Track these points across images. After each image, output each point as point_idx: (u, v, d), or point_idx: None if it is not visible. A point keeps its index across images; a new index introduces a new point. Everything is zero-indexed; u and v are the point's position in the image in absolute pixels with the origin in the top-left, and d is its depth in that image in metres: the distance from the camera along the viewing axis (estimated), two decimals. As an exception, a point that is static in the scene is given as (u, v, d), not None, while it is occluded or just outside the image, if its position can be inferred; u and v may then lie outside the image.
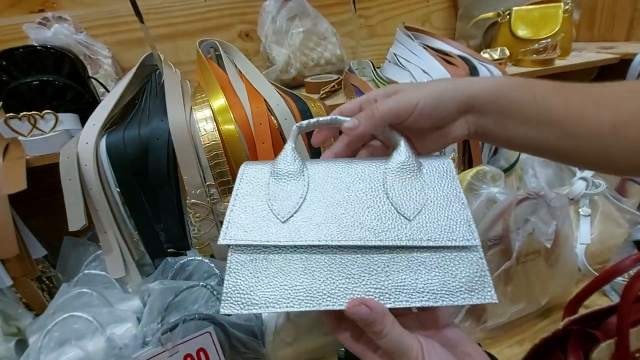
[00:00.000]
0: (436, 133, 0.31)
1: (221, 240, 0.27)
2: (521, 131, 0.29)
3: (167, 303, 0.51)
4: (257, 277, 0.26)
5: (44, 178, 0.56)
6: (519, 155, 0.71)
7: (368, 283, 0.25)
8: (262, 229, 0.27)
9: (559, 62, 0.82)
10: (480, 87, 0.29)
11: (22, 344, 0.55)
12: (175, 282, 0.53)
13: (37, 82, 0.57)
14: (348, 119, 0.30)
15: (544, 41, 0.81)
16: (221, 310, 0.26)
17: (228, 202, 0.62)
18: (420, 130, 0.31)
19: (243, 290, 0.26)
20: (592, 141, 0.27)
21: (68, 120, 0.58)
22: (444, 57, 0.75)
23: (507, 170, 0.70)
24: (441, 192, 0.28)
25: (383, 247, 0.26)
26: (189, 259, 0.60)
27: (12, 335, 0.55)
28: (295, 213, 0.27)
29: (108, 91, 0.69)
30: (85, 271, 0.59)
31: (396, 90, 0.31)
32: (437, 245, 0.26)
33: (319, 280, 0.25)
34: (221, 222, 0.64)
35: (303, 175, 0.29)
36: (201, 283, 0.53)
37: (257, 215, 0.28)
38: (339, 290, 0.25)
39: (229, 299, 0.26)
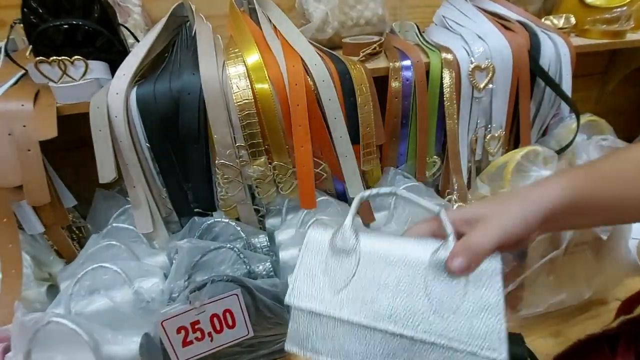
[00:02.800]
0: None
1: (287, 300, 0.31)
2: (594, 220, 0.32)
3: (194, 262, 0.51)
4: (314, 330, 0.30)
5: (74, 128, 0.55)
6: (574, 138, 0.65)
7: None
8: (319, 297, 0.31)
9: (630, 36, 0.73)
10: (555, 196, 0.29)
11: (53, 289, 0.57)
12: (203, 242, 0.52)
13: (66, 26, 0.54)
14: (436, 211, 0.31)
15: (617, 10, 0.71)
16: (285, 347, 0.30)
17: (257, 165, 0.60)
18: None
19: (302, 336, 0.30)
20: None
21: (98, 68, 0.55)
22: (501, 21, 0.68)
23: (558, 153, 0.64)
24: (482, 295, 0.28)
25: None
26: (215, 220, 0.59)
27: (44, 281, 0.57)
28: (345, 287, 0.30)
29: (138, 41, 0.65)
30: (114, 224, 0.59)
31: (477, 218, 0.30)
32: (464, 349, 0.27)
33: (360, 349, 0.29)
34: (249, 186, 0.62)
35: (355, 252, 0.31)
36: (228, 245, 0.52)
37: (316, 284, 0.31)
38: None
39: (291, 340, 0.31)
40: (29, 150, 0.50)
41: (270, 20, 0.68)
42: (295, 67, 0.56)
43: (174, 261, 0.53)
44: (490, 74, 0.60)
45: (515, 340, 0.40)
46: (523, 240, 0.30)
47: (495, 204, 0.31)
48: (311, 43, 0.62)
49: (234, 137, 0.56)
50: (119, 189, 0.69)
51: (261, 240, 0.59)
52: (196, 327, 0.44)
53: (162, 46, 0.65)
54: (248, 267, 0.52)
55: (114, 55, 0.59)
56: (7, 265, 0.51)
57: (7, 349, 0.45)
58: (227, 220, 0.58)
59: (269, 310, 0.47)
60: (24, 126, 0.50)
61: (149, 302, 0.51)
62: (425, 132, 0.63)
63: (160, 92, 0.54)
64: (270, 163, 0.59)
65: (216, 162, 0.57)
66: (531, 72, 0.63)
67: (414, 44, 0.74)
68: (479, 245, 0.28)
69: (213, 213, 0.61)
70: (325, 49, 0.64)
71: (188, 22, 0.72)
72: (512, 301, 0.50)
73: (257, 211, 0.64)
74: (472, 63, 0.60)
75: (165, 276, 0.54)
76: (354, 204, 0.33)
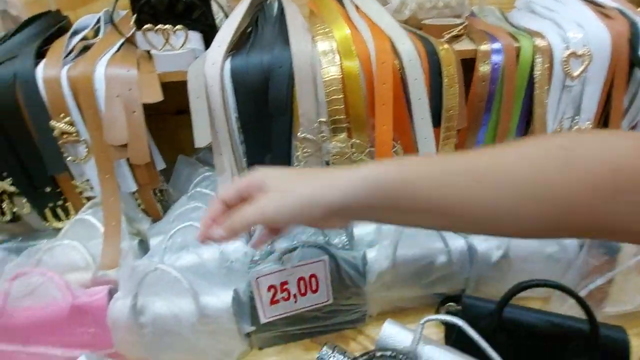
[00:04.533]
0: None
1: None
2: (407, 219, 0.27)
3: (277, 229, 0.53)
4: None
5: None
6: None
7: None
8: None
9: None
10: (340, 194, 0.26)
11: (142, 244, 0.61)
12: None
13: (169, -3, 0.57)
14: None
15: None
16: None
17: (337, 141, 0.61)
18: None
19: None
20: None
21: (195, 38, 0.58)
22: (597, 8, 0.64)
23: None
24: None
25: None
26: (292, 192, 0.61)
27: (134, 235, 0.62)
28: None
29: (227, 16, 0.68)
30: (197, 189, 0.63)
31: (263, 188, 0.28)
32: None
33: None
34: (327, 162, 0.64)
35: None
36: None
37: None
38: None
39: None
40: (134, 112, 0.54)
41: (352, 1, 0.68)
42: (384, 45, 0.56)
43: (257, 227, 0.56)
44: (587, 62, 0.58)
45: (620, 329, 0.39)
46: (311, 222, 0.29)
47: (288, 179, 0.29)
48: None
49: (318, 112, 0.57)
50: (197, 157, 0.73)
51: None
52: (284, 287, 0.46)
53: (247, 21, 0.67)
54: (326, 238, 0.54)
55: (206, 27, 0.62)
56: (108, 218, 0.55)
57: (111, 291, 0.50)
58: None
59: (350, 280, 0.49)
60: (130, 89, 0.54)
61: (233, 262, 0.54)
62: (509, 119, 0.61)
63: (252, 64, 0.56)
64: (348, 140, 0.60)
65: (298, 135, 0.58)
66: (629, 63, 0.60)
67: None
68: (239, 219, 0.28)
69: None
70: (410, 28, 0.63)
71: (268, 0, 0.74)
72: (597, 296, 0.49)
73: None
74: (567, 49, 0.57)
75: (247, 240, 0.57)
76: (417, 331, 0.36)
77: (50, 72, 0.54)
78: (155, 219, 0.65)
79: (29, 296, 0.46)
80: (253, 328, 0.49)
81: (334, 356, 0.37)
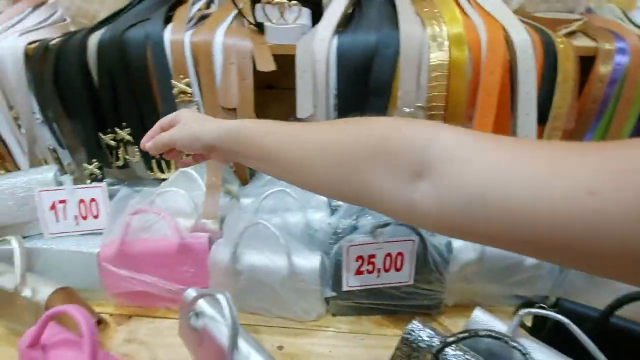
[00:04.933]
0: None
1: None
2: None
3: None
4: None
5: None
6: None
7: None
8: None
9: None
10: (213, 136, 0.35)
11: (233, 202, 0.66)
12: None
13: (285, -27, 0.60)
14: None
15: None
16: None
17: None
18: None
19: None
20: None
21: (306, 15, 0.60)
22: None
23: None
24: None
25: None
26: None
27: (226, 194, 0.67)
28: None
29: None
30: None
31: (178, 121, 0.40)
32: None
33: None
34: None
35: None
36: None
37: None
38: None
39: None
40: (245, 80, 0.58)
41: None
42: (497, 33, 0.54)
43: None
44: None
45: None
46: (201, 152, 0.38)
47: (194, 119, 0.39)
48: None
49: (416, 97, 0.57)
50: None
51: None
52: (371, 260, 0.48)
53: (353, 0, 0.68)
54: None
55: (313, 5, 0.64)
56: (211, 173, 0.60)
57: (210, 239, 0.55)
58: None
59: (434, 265, 0.49)
60: (244, 58, 0.58)
61: (316, 231, 0.57)
62: (622, 126, 0.57)
63: (359, 43, 0.57)
64: (442, 129, 0.60)
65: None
66: None
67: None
68: (159, 138, 0.39)
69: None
70: (525, 19, 0.61)
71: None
72: None
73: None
74: None
75: (330, 212, 0.59)
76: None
77: (176, 36, 0.59)
78: (243, 183, 0.69)
79: (146, 230, 0.53)
80: (333, 294, 0.51)
81: (423, 330, 0.38)
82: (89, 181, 0.68)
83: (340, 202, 0.59)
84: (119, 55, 0.60)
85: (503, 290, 0.53)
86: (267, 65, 0.55)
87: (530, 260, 0.50)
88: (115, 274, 0.52)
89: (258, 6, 0.58)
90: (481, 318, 0.39)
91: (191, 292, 0.41)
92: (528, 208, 0.19)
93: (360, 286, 0.50)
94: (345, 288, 0.50)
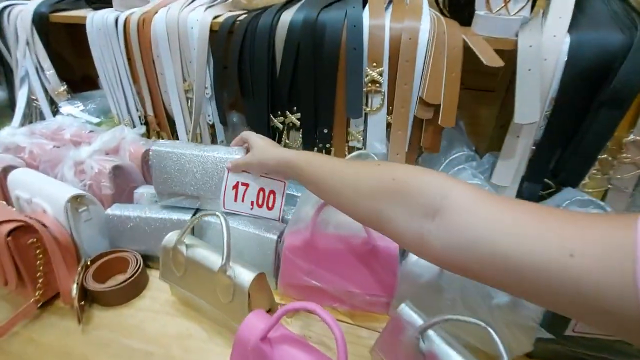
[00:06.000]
0: None
1: None
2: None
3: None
4: None
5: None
6: None
7: None
8: None
9: None
10: (274, 163, 0.50)
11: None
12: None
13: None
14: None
15: None
16: None
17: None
18: None
19: None
20: None
21: (526, 6, 0.53)
22: None
23: None
24: None
25: None
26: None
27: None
28: None
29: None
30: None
31: (254, 145, 0.53)
32: None
33: None
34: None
35: None
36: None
37: None
38: None
39: None
40: (453, 74, 0.52)
41: None
42: None
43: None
44: None
45: None
46: (273, 173, 0.54)
47: (261, 145, 0.52)
48: None
49: None
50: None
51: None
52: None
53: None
54: None
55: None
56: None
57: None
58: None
59: None
60: (454, 49, 0.52)
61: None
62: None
63: (596, 42, 0.48)
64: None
65: (626, 137, 0.49)
66: None
67: None
68: (235, 162, 0.54)
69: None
70: None
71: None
72: None
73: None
74: None
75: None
76: None
77: (377, 21, 0.55)
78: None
79: (332, 225, 0.49)
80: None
81: None
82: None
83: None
84: (312, 36, 0.57)
85: None
86: (494, 60, 0.48)
87: None
88: (297, 265, 0.49)
89: (486, -7, 0.52)
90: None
91: (415, 318, 0.37)
92: (518, 260, 0.25)
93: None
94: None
